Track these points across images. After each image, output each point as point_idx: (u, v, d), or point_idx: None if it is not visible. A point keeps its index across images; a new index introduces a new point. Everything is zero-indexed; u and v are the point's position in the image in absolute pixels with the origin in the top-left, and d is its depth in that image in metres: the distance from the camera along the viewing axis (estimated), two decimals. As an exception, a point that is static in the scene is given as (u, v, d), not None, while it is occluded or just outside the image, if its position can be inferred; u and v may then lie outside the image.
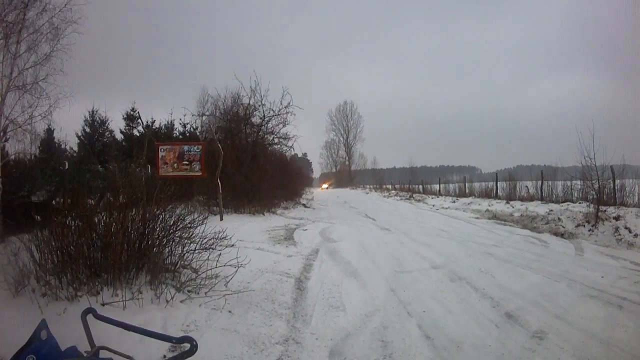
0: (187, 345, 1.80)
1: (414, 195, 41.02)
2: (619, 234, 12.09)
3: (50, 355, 1.76)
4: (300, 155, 43.29)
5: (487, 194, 29.06)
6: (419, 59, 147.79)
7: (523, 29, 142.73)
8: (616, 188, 16.59)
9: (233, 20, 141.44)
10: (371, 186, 71.23)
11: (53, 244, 5.97)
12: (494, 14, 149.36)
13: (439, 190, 40.44)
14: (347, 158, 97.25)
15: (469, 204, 26.18)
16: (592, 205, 14.55)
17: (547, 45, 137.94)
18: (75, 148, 26.79)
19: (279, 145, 25.97)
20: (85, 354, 1.99)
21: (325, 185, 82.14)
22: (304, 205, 28.84)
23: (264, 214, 20.36)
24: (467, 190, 33.47)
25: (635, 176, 17.19)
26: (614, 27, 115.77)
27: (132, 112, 28.47)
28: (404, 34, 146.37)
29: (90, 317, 2.18)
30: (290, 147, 25.71)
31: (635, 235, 11.68)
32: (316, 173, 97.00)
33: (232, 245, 7.56)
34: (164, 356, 4.44)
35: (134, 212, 6.46)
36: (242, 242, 8.26)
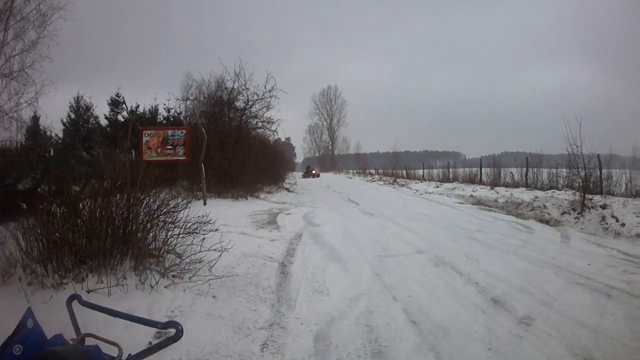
0: (172, 331, 1.75)
1: (397, 180, 41.40)
2: (606, 223, 12.16)
3: (36, 343, 1.69)
4: (283, 139, 43.25)
5: (471, 180, 29.28)
6: (407, 45, 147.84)
7: (515, 20, 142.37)
8: (603, 177, 16.67)
9: (219, 5, 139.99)
10: (354, 171, 71.64)
11: (39, 231, 5.90)
12: (487, 3, 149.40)
13: (423, 176, 40.68)
14: (330, 142, 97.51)
15: (452, 189, 26.37)
16: (578, 193, 14.64)
17: (538, 36, 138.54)
18: (61, 135, 26.81)
19: (262, 130, 26.23)
20: (71, 342, 1.93)
21: (314, 171, 65.51)
22: (287, 189, 28.95)
23: (247, 198, 20.43)
24: (451, 176, 33.74)
25: (623, 166, 17.34)
26: (605, 20, 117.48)
27: (116, 98, 28.47)
28: (394, 21, 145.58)
29: (75, 304, 2.13)
30: (274, 131, 25.94)
31: (623, 225, 11.73)
32: (299, 157, 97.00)
33: (216, 230, 7.52)
34: (150, 342, 4.35)
35: (118, 198, 6.40)
36: (226, 226, 8.26)
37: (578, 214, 13.26)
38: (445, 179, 33.93)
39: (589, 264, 8.28)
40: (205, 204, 15.40)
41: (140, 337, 4.30)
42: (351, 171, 73.42)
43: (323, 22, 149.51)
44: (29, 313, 1.75)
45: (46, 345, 1.73)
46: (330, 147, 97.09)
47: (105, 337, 1.98)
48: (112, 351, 1.88)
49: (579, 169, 15.52)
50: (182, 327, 1.74)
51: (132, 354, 1.82)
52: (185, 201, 7.90)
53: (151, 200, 6.92)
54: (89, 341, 1.97)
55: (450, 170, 34.90)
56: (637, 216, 11.96)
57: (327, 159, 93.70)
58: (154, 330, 4.54)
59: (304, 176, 59.80)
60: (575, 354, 4.51)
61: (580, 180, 15.58)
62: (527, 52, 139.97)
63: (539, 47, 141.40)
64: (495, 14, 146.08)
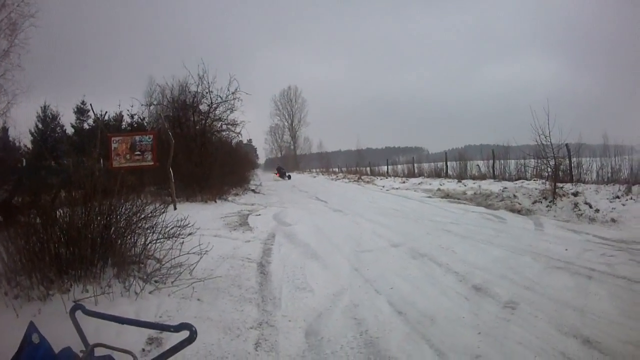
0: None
1: (362, 177, 41.61)
2: (579, 209, 12.47)
3: (45, 359, 1.68)
4: (245, 141, 42.97)
5: (437, 174, 29.71)
6: (366, 43, 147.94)
7: (477, 13, 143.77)
8: (572, 165, 17.12)
9: (180, 8, 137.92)
10: (318, 170, 71.78)
11: (20, 242, 5.81)
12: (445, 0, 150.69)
13: (387, 172, 41.06)
14: (292, 142, 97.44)
15: (419, 183, 26.71)
16: (548, 182, 15.01)
17: (501, 29, 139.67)
18: (30, 145, 26.46)
19: (227, 132, 26.25)
20: (80, 354, 1.92)
21: (287, 173, 55.67)
22: (253, 191, 28.80)
23: (215, 201, 20.37)
24: (416, 171, 34.17)
25: (593, 154, 17.73)
26: (567, 11, 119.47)
27: (82, 106, 28.48)
28: (352, 19, 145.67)
29: (79, 314, 2.11)
30: (239, 133, 25.92)
31: (597, 210, 12.05)
32: (261, 159, 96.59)
33: (190, 234, 7.51)
34: (143, 349, 4.42)
35: (97, 205, 6.35)
36: (199, 229, 8.23)
37: (550, 202, 13.54)
38: (410, 174, 34.35)
39: (566, 249, 8.53)
40: (175, 208, 15.19)
41: (132, 345, 4.29)
42: (314, 170, 73.65)
43: (281, 22, 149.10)
44: (33, 327, 1.73)
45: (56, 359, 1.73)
46: (292, 147, 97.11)
47: (117, 346, 2.00)
48: (124, 359, 1.90)
49: (549, 159, 15.88)
50: (195, 328, 1.76)
51: None
52: (162, 206, 7.91)
53: (129, 205, 6.88)
54: (99, 351, 1.97)
55: (415, 165, 35.34)
56: (610, 202, 12.36)
57: (290, 159, 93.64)
58: (146, 335, 4.61)
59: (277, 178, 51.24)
60: (564, 332, 4.71)
61: (549, 170, 15.97)
62: (488, 46, 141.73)
63: (501, 41, 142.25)
64: (455, 10, 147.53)
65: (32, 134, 26.95)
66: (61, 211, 6.19)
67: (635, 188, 12.83)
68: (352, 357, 4.48)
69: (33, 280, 5.61)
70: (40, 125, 27.78)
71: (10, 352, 1.68)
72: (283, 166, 62.25)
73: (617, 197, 12.53)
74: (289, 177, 52.78)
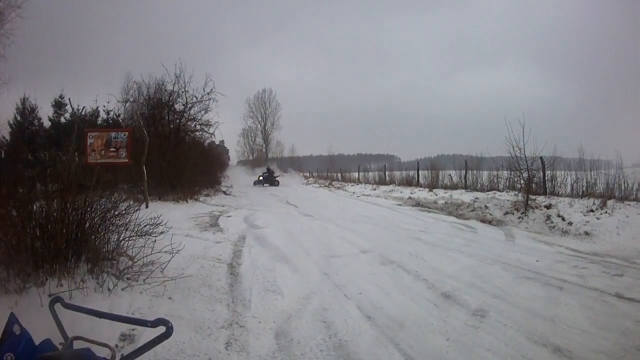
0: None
1: (333, 183, 41.79)
2: (552, 222, 12.63)
3: (27, 351, 1.67)
4: (217, 142, 42.41)
5: (409, 182, 29.86)
6: (340, 49, 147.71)
7: (454, 24, 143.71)
8: (547, 178, 17.25)
9: (160, 6, 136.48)
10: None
11: None
12: (421, 7, 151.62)
13: (358, 178, 41.20)
14: (264, 145, 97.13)
15: (390, 191, 26.86)
16: (520, 194, 15.17)
17: (478, 40, 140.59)
18: (8, 137, 26.25)
19: (200, 132, 26.52)
20: (60, 346, 1.93)
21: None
22: (224, 192, 28.92)
23: (187, 201, 20.51)
24: (387, 178, 34.35)
25: (568, 168, 17.94)
26: (547, 25, 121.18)
27: (60, 99, 28.23)
28: (327, 25, 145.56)
29: (58, 307, 2.10)
30: (212, 133, 26.25)
31: (570, 223, 12.21)
32: (233, 161, 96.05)
33: (162, 233, 7.53)
34: (116, 345, 4.41)
35: (72, 199, 6.30)
36: (171, 229, 8.24)
37: (522, 214, 13.70)
38: (381, 182, 34.57)
39: (537, 260, 8.66)
40: (147, 206, 15.21)
41: (105, 339, 4.29)
42: (286, 174, 73.86)
43: (257, 25, 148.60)
44: (13, 318, 1.73)
45: (37, 351, 1.73)
46: (264, 150, 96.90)
47: (94, 339, 2.01)
48: (102, 353, 1.91)
49: (522, 171, 16.04)
50: (171, 324, 1.79)
51: (124, 355, 1.84)
52: (135, 204, 7.92)
53: (104, 201, 6.89)
54: (77, 344, 1.97)
55: (387, 172, 35.52)
56: (585, 215, 12.50)
57: (261, 162, 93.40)
58: (119, 331, 4.66)
59: (258, 182, 44.71)
60: (534, 341, 4.81)
61: (522, 182, 16.12)
62: (464, 56, 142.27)
63: (477, 50, 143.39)
64: (431, 18, 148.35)
65: (10, 125, 26.76)
66: (37, 204, 6.16)
67: (610, 202, 12.96)
68: (322, 359, 4.53)
69: (10, 272, 5.57)
70: (19, 117, 27.48)
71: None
72: (271, 168, 52.90)
73: (592, 210, 12.65)
74: (277, 183, 44.75)
